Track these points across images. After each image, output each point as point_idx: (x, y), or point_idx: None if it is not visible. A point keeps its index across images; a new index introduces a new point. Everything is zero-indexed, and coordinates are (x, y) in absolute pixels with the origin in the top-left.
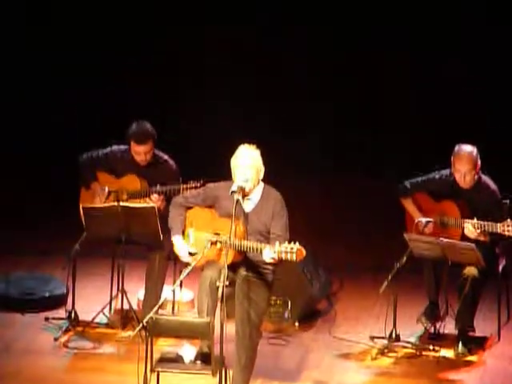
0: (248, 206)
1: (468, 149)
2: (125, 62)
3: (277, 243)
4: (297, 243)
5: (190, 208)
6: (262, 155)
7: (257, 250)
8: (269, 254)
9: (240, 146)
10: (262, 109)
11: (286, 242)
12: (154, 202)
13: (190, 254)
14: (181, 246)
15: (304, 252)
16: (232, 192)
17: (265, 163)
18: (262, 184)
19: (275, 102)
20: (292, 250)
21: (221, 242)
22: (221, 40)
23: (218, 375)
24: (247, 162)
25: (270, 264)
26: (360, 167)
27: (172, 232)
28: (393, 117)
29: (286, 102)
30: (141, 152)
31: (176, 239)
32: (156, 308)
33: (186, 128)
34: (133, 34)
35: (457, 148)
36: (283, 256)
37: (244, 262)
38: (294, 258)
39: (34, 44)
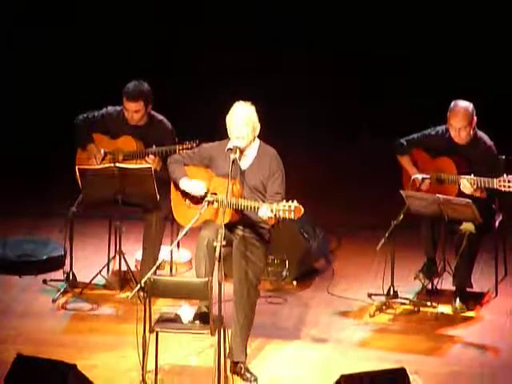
0: (244, 162)
1: (464, 104)
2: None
3: (274, 203)
4: (295, 201)
5: (186, 166)
6: (260, 117)
7: (254, 208)
8: (266, 212)
9: (235, 102)
10: (259, 83)
11: (284, 201)
12: (150, 163)
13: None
14: (193, 183)
15: (302, 209)
16: (228, 149)
17: (262, 124)
18: (257, 141)
19: (272, 78)
20: (290, 208)
21: (217, 202)
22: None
23: (216, 334)
24: (242, 119)
25: (267, 223)
26: (358, 127)
27: (178, 179)
28: (392, 80)
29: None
30: (130, 109)
31: (184, 181)
32: (154, 269)
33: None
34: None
35: (453, 104)
36: (281, 214)
37: (241, 221)
38: (293, 216)
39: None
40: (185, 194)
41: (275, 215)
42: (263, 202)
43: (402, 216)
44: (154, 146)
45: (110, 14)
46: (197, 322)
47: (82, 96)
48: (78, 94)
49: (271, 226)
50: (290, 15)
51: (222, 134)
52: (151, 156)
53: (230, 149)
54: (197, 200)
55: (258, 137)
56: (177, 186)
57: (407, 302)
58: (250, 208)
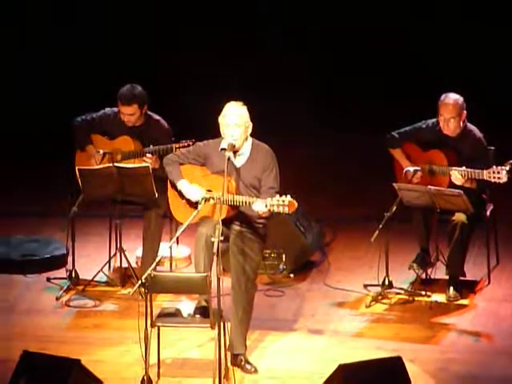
0: (239, 161)
1: (454, 96)
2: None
3: (268, 198)
4: (288, 196)
5: (182, 165)
6: (250, 113)
7: (249, 203)
8: (260, 207)
9: (227, 103)
10: (249, 64)
11: (278, 195)
12: (147, 162)
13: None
14: (190, 188)
15: (296, 204)
16: (222, 149)
17: (253, 119)
18: (250, 139)
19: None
20: (284, 203)
21: (214, 199)
22: None
23: (216, 328)
24: (234, 120)
25: (262, 217)
26: (349, 119)
27: (175, 180)
28: (384, 74)
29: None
30: (125, 113)
31: (182, 183)
32: (154, 265)
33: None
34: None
35: (443, 96)
36: (275, 209)
37: (237, 217)
38: (287, 211)
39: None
40: (182, 195)
41: (269, 210)
42: (258, 197)
43: (395, 208)
44: (151, 146)
45: (110, 14)
46: (197, 316)
47: (79, 98)
48: (76, 96)
49: (267, 220)
50: None
51: (216, 133)
52: (149, 155)
53: (224, 149)
54: (193, 203)
55: (251, 135)
56: (174, 186)
57: (402, 291)
58: (245, 203)
